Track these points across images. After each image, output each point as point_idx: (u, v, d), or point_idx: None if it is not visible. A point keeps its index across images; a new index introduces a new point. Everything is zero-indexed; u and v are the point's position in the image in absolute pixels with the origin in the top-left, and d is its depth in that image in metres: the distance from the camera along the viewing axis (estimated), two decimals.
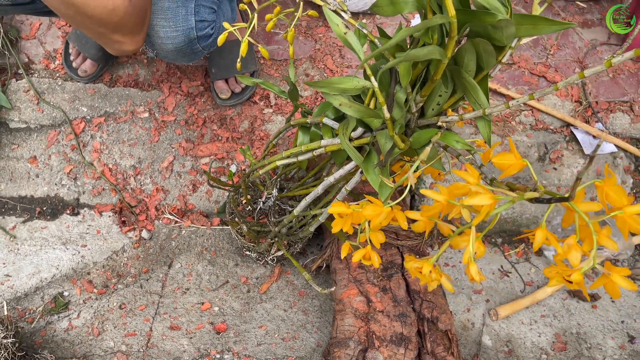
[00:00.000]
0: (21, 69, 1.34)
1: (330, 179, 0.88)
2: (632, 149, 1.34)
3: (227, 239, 1.31)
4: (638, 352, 1.16)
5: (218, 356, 1.10)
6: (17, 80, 1.35)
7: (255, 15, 0.71)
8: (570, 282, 0.52)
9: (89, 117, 1.33)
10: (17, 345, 0.99)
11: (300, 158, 0.92)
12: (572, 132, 1.35)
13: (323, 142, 0.85)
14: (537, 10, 0.69)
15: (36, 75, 1.35)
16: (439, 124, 0.71)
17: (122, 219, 1.32)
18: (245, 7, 0.70)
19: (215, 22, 0.98)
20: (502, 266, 1.31)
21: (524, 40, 1.45)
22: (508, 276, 1.30)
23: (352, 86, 0.65)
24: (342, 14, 0.66)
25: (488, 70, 0.70)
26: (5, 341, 0.97)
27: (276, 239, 1.13)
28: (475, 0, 0.60)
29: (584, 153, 1.34)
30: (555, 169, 1.34)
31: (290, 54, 0.79)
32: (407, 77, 0.62)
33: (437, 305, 1.08)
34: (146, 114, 1.34)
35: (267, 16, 0.75)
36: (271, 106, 1.34)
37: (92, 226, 1.32)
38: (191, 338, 1.12)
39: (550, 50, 1.42)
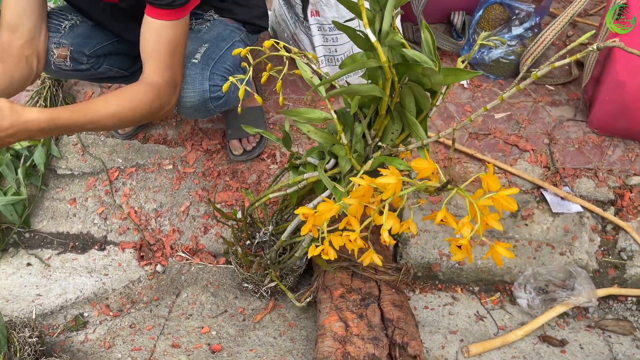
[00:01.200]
0: None
1: (310, 205, 1.07)
2: (597, 210, 1.49)
3: (230, 275, 1.48)
4: None
5: None
6: (68, 135, 1.62)
7: (251, 69, 0.95)
8: (460, 247, 0.68)
9: (122, 167, 1.58)
10: (39, 344, 1.16)
11: (289, 190, 1.12)
12: (541, 193, 1.52)
13: (306, 175, 1.05)
14: (460, 65, 0.90)
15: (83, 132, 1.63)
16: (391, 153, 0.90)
17: (141, 254, 1.51)
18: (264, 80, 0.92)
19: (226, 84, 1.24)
20: (477, 311, 1.42)
21: (499, 115, 1.67)
22: (483, 320, 1.40)
23: (316, 116, 0.86)
24: (312, 65, 0.89)
25: (426, 111, 0.90)
26: (30, 340, 1.14)
27: (269, 270, 1.30)
28: (408, 55, 0.82)
29: (552, 211, 1.49)
30: (526, 224, 1.49)
31: (280, 102, 1.02)
32: (355, 106, 0.83)
33: (408, 333, 1.21)
34: (170, 166, 1.58)
35: (264, 73, 0.98)
36: (276, 162, 1.57)
37: (115, 260, 1.51)
38: (189, 355, 1.26)
39: (522, 124, 1.63)
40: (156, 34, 1.03)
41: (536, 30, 1.61)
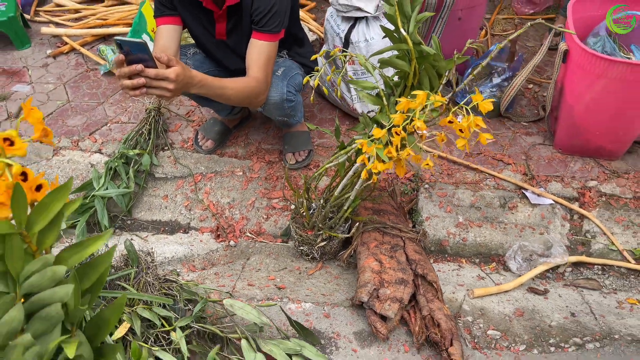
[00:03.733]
0: (167, 145, 2.16)
1: (357, 165, 1.57)
2: (565, 203, 1.97)
3: (286, 249, 1.92)
4: (578, 322, 1.63)
5: (279, 299, 1.64)
6: (163, 151, 2.16)
7: (313, 92, 1.51)
8: (462, 131, 1.18)
9: (204, 173, 2.10)
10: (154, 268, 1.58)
11: (340, 160, 1.63)
12: (522, 192, 2.01)
13: (356, 137, 1.57)
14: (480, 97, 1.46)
15: (176, 149, 2.17)
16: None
17: (218, 234, 1.97)
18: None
19: (295, 95, 1.81)
20: (479, 274, 1.85)
21: (488, 141, 2.20)
22: (483, 280, 1.82)
23: (369, 85, 1.41)
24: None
25: (436, 88, 1.45)
26: (151, 263, 1.57)
27: (321, 231, 1.75)
28: (424, 48, 1.38)
29: (531, 203, 1.97)
30: (512, 213, 1.96)
31: (312, 100, 1.56)
32: (394, 76, 1.38)
33: (427, 267, 1.64)
34: (240, 173, 2.10)
35: (311, 98, 1.54)
36: None
37: (197, 239, 1.96)
38: (261, 290, 1.68)
39: (505, 147, 2.17)
40: (259, 49, 1.63)
41: (510, 81, 2.21)
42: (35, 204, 0.68)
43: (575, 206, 1.96)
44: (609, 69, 1.75)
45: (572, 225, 1.94)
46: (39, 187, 0.69)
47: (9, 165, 0.62)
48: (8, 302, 0.66)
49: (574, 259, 1.85)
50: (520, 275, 1.81)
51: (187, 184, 2.08)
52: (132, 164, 2.05)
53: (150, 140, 2.12)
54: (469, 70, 2.30)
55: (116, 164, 2.02)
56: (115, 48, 2.60)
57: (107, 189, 1.97)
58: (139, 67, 1.31)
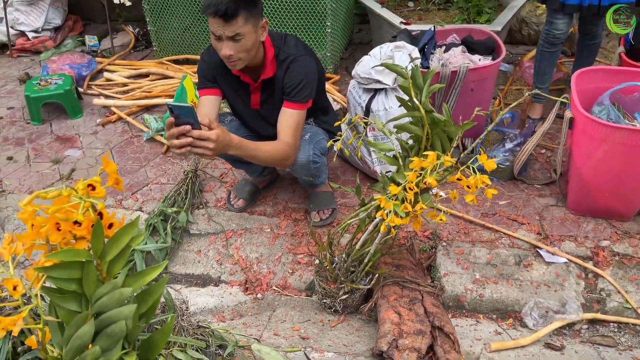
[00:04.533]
0: (202, 204, 2.34)
1: (377, 220, 1.71)
2: (580, 261, 2.04)
3: (310, 302, 2.03)
4: None
5: (302, 348, 1.73)
6: (198, 209, 2.34)
7: (335, 155, 1.68)
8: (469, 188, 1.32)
9: (235, 230, 2.25)
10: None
11: (361, 216, 1.77)
12: (537, 251, 2.10)
13: (375, 195, 1.72)
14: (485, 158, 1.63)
15: (210, 207, 2.35)
16: None
17: (246, 287, 2.09)
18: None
19: (320, 158, 1.99)
20: (496, 329, 1.91)
21: (502, 202, 2.32)
22: (500, 335, 1.88)
23: (386, 147, 1.57)
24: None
25: (448, 150, 1.60)
26: (186, 311, 1.70)
27: (344, 284, 1.86)
28: (435, 115, 1.55)
29: (546, 261, 2.05)
30: (527, 271, 2.04)
31: (334, 160, 1.73)
32: (409, 139, 1.54)
33: (444, 320, 1.73)
34: (268, 230, 2.25)
35: (334, 159, 1.71)
36: None
37: (227, 291, 2.09)
38: (286, 339, 1.78)
39: (519, 208, 2.28)
40: (289, 116, 1.83)
41: (521, 146, 2.36)
42: (107, 239, 0.84)
43: (589, 265, 2.04)
44: (611, 135, 1.88)
45: (586, 284, 2.01)
46: (110, 225, 0.85)
47: (93, 206, 0.79)
48: (81, 319, 0.81)
49: (589, 316, 1.90)
50: (536, 331, 1.87)
51: (219, 240, 2.23)
52: (169, 221, 2.22)
53: (187, 200, 2.31)
54: (483, 136, 2.45)
55: (155, 220, 2.20)
56: (157, 118, 2.86)
57: (146, 243, 2.14)
58: (187, 127, 1.50)
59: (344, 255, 1.90)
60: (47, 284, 0.80)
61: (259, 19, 1.75)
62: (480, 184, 1.35)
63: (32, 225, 0.79)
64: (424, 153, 1.39)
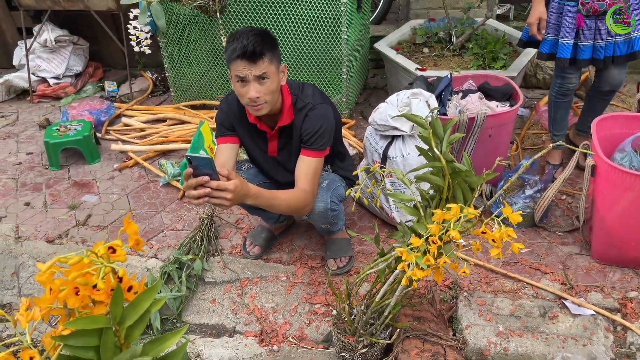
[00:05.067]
0: (217, 251, 2.32)
1: (397, 271, 1.67)
2: (607, 314, 1.97)
3: (328, 357, 1.96)
4: None
5: None
6: (214, 256, 2.31)
7: (354, 203, 1.66)
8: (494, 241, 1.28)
9: (250, 278, 2.22)
10: None
11: (380, 266, 1.73)
12: (562, 302, 2.02)
13: (395, 245, 1.68)
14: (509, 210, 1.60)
15: (225, 254, 2.32)
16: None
17: (262, 338, 2.04)
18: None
19: (338, 205, 1.97)
20: None
21: (524, 250, 2.26)
22: None
23: (406, 198, 1.54)
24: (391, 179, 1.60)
25: (470, 200, 1.57)
26: None
27: (363, 337, 1.81)
28: (456, 165, 1.53)
29: (572, 313, 1.97)
30: (553, 323, 1.96)
31: (352, 209, 1.70)
32: (430, 189, 1.52)
33: None
34: (285, 278, 2.21)
35: (352, 208, 1.69)
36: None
37: (242, 342, 2.04)
38: None
39: (542, 256, 2.22)
40: (307, 164, 1.82)
41: (542, 193, 2.32)
42: (126, 303, 0.81)
43: (617, 317, 1.96)
44: (636, 183, 1.84)
45: (615, 337, 1.92)
46: (129, 288, 0.83)
47: (114, 270, 0.76)
48: None
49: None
50: None
51: (234, 288, 2.19)
52: (184, 269, 2.19)
53: (203, 247, 2.29)
54: (502, 182, 2.42)
55: (170, 268, 2.17)
56: (174, 163, 2.87)
57: (160, 292, 2.10)
58: (205, 178, 1.49)
59: (362, 307, 1.84)
60: (64, 351, 0.77)
61: (279, 63, 1.78)
62: (506, 238, 1.31)
63: (50, 289, 0.77)
64: (447, 206, 1.35)
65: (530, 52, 2.99)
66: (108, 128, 3.41)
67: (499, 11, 3.99)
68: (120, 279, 0.81)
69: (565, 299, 2.02)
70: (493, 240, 1.32)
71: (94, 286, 0.77)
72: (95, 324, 0.74)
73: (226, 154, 1.92)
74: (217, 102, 3.55)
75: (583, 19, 2.23)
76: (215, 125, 3.06)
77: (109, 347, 0.77)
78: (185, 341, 0.85)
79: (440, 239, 1.38)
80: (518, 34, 3.24)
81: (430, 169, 1.56)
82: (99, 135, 3.29)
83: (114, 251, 0.80)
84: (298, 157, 1.91)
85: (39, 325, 0.82)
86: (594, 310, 1.98)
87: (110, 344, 0.78)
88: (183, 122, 3.35)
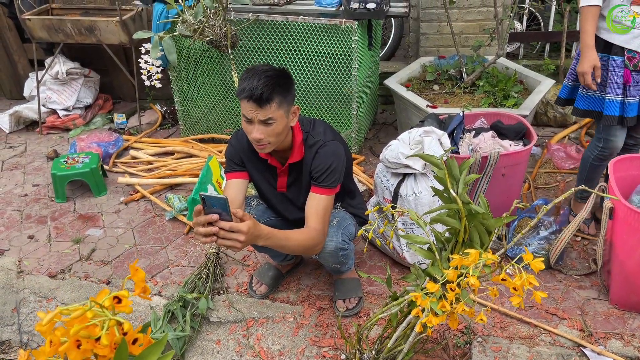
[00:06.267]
0: (223, 289, 2.25)
1: (411, 317, 1.60)
2: None
3: None
4: None
5: None
6: (219, 294, 2.24)
7: (366, 245, 1.62)
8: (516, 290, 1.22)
9: (257, 318, 2.15)
10: None
11: (393, 310, 1.66)
12: (581, 350, 1.94)
13: (409, 288, 1.62)
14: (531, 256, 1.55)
15: (231, 293, 2.25)
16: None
17: None
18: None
19: (349, 244, 1.91)
20: None
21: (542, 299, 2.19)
22: None
23: (421, 240, 1.49)
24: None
25: (487, 244, 1.52)
26: None
27: None
28: (473, 207, 1.48)
29: None
30: None
31: (364, 250, 1.65)
32: (444, 235, 1.47)
33: None
34: (292, 319, 2.13)
35: (364, 249, 1.65)
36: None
37: None
38: None
39: (558, 301, 2.14)
40: (317, 202, 1.78)
41: (557, 234, 2.26)
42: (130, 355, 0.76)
43: None
44: None
45: None
46: (134, 341, 0.78)
47: (119, 323, 0.71)
48: None
49: None
50: None
51: (239, 329, 2.12)
52: (189, 307, 2.13)
53: (208, 284, 2.22)
54: (515, 223, 2.36)
55: (174, 307, 2.11)
56: (180, 197, 2.84)
57: (163, 331, 2.03)
58: (215, 216, 1.45)
59: (373, 353, 1.77)
60: None
61: (291, 104, 1.75)
62: (527, 286, 1.25)
63: (51, 341, 0.72)
64: (465, 251, 1.30)
65: (541, 91, 2.97)
66: (116, 160, 3.40)
67: (508, 49, 4.00)
68: (125, 333, 0.75)
69: (585, 347, 1.94)
70: (514, 289, 1.26)
71: (97, 339, 0.72)
72: None
73: (235, 189, 1.88)
74: (226, 136, 3.54)
75: (631, 74, 2.11)
76: (224, 160, 3.04)
77: None
78: None
79: (458, 285, 1.32)
80: (528, 72, 3.23)
81: (446, 210, 1.52)
82: (106, 167, 3.27)
83: (119, 301, 0.75)
84: (307, 193, 1.87)
85: None
86: None
87: None
88: (191, 156, 3.33)
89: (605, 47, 2.14)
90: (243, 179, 1.94)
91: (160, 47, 2.93)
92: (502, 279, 1.29)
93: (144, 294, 0.82)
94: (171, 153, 3.44)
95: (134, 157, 3.40)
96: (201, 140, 3.58)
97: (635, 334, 1.98)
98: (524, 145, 2.38)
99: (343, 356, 2.00)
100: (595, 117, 2.25)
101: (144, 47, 2.98)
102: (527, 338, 1.99)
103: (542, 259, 1.28)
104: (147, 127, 3.87)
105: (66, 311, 0.69)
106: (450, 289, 1.30)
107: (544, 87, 3.01)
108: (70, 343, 0.71)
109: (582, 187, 1.34)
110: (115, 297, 0.76)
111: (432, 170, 2.24)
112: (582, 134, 3.36)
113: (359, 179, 2.94)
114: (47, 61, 3.90)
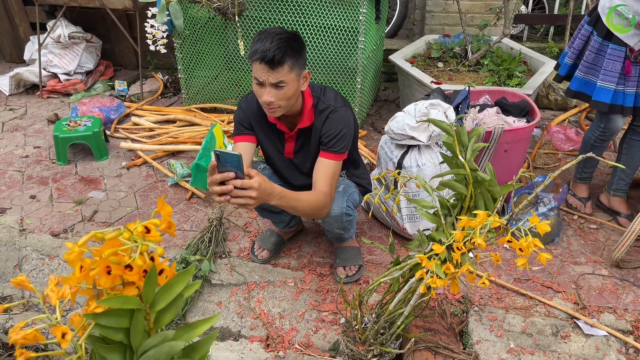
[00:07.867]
0: (225, 253, 2.28)
1: (413, 280, 1.64)
2: (620, 335, 1.93)
3: None
4: None
5: None
6: (221, 258, 2.27)
7: (371, 212, 1.64)
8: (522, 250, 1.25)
9: (258, 282, 2.18)
10: None
11: (395, 275, 1.70)
12: (575, 322, 1.99)
13: (412, 253, 1.65)
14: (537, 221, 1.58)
15: (233, 257, 2.28)
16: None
17: (267, 343, 1.99)
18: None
19: (353, 211, 1.94)
20: None
21: (535, 268, 2.24)
22: None
23: (427, 204, 1.52)
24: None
25: (492, 211, 1.55)
26: None
27: (373, 347, 1.77)
28: (480, 174, 1.51)
29: (585, 333, 1.94)
30: (565, 342, 1.93)
31: (369, 215, 1.68)
32: (450, 200, 1.50)
33: None
34: (292, 284, 2.17)
35: (369, 215, 1.67)
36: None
37: (247, 347, 1.99)
38: None
39: (553, 275, 2.19)
40: (326, 167, 1.80)
41: (556, 211, 2.29)
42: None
43: (630, 339, 1.92)
44: None
45: (627, 359, 1.89)
46: (160, 272, 0.80)
47: (146, 250, 0.73)
48: None
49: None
50: None
51: (240, 292, 2.15)
52: None
53: (210, 248, 2.25)
54: (515, 199, 2.40)
55: (177, 268, 2.13)
56: (183, 164, 2.84)
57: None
58: (231, 174, 1.46)
59: (373, 316, 1.81)
60: (93, 331, 0.74)
61: (303, 69, 1.75)
62: (533, 247, 1.28)
63: (81, 267, 0.74)
64: (474, 212, 1.33)
65: (545, 72, 2.99)
66: (117, 126, 3.39)
67: (513, 31, 4.01)
68: (153, 261, 0.78)
69: (578, 319, 1.99)
70: (520, 250, 1.30)
71: (126, 266, 0.74)
72: (127, 304, 0.71)
73: (243, 152, 1.89)
74: (228, 107, 3.54)
75: (631, 66, 2.13)
76: (226, 128, 3.04)
77: (139, 330, 0.74)
78: (216, 330, 0.82)
79: (465, 246, 1.36)
80: (532, 53, 3.25)
81: (454, 176, 1.55)
82: (108, 132, 3.27)
83: (149, 231, 0.77)
84: (314, 160, 1.89)
85: (52, 313, 0.79)
86: (607, 331, 1.95)
87: (141, 327, 0.74)
88: (193, 124, 3.33)
89: (607, 34, 2.15)
90: (251, 143, 1.95)
91: (167, 12, 2.91)
92: (508, 241, 1.32)
93: (169, 229, 0.84)
94: (173, 121, 3.44)
95: (135, 124, 3.40)
96: (203, 110, 3.57)
97: (628, 308, 2.03)
98: (528, 122, 2.41)
99: (342, 320, 2.04)
100: (585, 100, 2.29)
101: (150, 11, 2.96)
102: (523, 309, 2.04)
103: (548, 222, 1.31)
104: (148, 95, 3.86)
105: (100, 234, 0.71)
106: (457, 248, 1.33)
107: (548, 67, 3.03)
108: (101, 269, 0.73)
109: (590, 154, 1.37)
110: (144, 227, 0.77)
111: (437, 143, 2.27)
112: (582, 118, 3.40)
113: (361, 152, 2.96)
114: (49, 24, 3.86)
